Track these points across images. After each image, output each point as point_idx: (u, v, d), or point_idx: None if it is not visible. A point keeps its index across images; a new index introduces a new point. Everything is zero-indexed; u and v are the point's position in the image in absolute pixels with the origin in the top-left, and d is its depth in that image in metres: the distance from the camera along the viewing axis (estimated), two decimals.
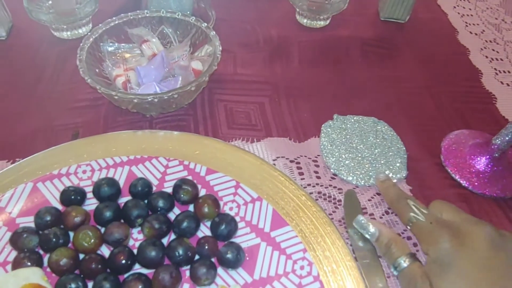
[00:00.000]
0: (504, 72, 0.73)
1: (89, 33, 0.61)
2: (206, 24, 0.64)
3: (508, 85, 0.71)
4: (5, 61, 0.69)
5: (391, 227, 0.52)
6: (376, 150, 0.59)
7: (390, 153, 0.58)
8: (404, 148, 0.59)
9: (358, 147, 0.59)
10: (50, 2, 0.71)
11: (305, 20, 0.79)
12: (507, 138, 0.54)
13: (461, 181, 0.57)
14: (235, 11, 0.81)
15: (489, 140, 0.57)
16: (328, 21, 0.79)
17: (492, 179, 0.56)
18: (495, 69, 0.74)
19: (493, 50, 0.78)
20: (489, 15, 0.85)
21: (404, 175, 0.57)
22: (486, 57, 0.76)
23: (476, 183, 0.56)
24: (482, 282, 0.38)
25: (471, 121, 0.65)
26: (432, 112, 0.66)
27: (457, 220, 0.43)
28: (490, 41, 0.79)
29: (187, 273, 0.45)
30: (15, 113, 0.61)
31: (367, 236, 0.47)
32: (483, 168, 0.57)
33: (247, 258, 0.47)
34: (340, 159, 0.57)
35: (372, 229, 0.46)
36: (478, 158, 0.57)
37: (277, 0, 0.83)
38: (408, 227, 0.46)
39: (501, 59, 0.76)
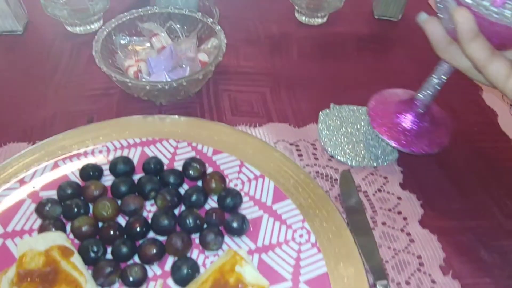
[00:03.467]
0: None
1: (103, 27, 0.66)
2: (211, 19, 0.69)
3: None
4: (23, 54, 0.74)
5: (383, 203, 0.57)
6: (369, 136, 0.63)
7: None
8: None
9: (353, 132, 0.63)
10: None
11: (303, 18, 0.84)
12: (429, 92, 0.55)
13: (389, 141, 0.57)
14: (237, 9, 0.86)
15: (413, 97, 0.57)
16: (325, 19, 0.84)
17: (419, 135, 0.57)
18: None
19: None
20: None
21: (396, 157, 0.61)
22: None
23: (403, 141, 0.56)
24: None
25: (459, 110, 0.70)
26: None
27: None
28: None
29: (197, 240, 0.49)
30: (34, 101, 0.66)
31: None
32: (410, 126, 0.57)
33: (251, 229, 0.51)
34: (337, 143, 0.62)
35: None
36: (404, 116, 0.57)
37: None
38: None
39: None
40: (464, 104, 0.71)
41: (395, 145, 0.57)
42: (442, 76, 0.53)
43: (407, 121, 0.57)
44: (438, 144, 0.58)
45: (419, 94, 0.57)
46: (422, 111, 0.57)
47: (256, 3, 0.88)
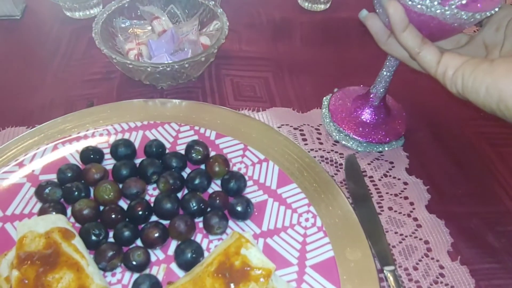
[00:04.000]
0: None
1: (103, 10, 0.65)
2: (213, 2, 0.67)
3: None
4: (21, 38, 0.73)
5: (389, 188, 0.56)
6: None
7: None
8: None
9: None
10: None
11: (306, 4, 0.83)
12: (381, 85, 0.57)
13: (349, 133, 0.59)
14: None
15: (369, 91, 0.60)
16: (328, 5, 0.83)
17: (376, 127, 0.60)
18: None
19: None
20: None
21: (401, 142, 0.60)
22: None
23: (363, 133, 0.59)
24: None
25: None
26: (429, 87, 0.69)
27: None
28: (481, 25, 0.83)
29: (200, 225, 0.48)
30: (33, 85, 0.65)
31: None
32: (367, 118, 0.60)
33: (256, 213, 0.50)
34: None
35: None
36: (361, 109, 0.60)
37: None
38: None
39: None
40: None
41: (354, 136, 0.59)
42: (391, 69, 0.56)
43: (365, 114, 0.60)
44: (394, 134, 0.60)
45: (373, 89, 0.59)
46: (377, 104, 0.59)
47: None
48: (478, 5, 0.42)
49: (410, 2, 0.43)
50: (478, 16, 0.42)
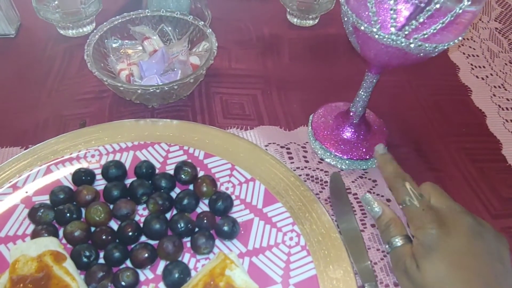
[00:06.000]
0: (479, 67, 0.79)
1: (95, 31, 0.66)
2: (203, 22, 0.69)
3: (482, 79, 0.77)
4: (15, 57, 0.74)
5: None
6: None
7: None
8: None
9: None
10: (56, 2, 0.76)
11: (295, 20, 0.84)
12: (360, 104, 0.60)
13: (331, 151, 0.61)
14: (229, 11, 0.86)
15: (349, 109, 0.62)
16: (316, 21, 0.85)
17: (357, 143, 0.62)
18: (471, 64, 0.80)
19: (470, 47, 0.84)
20: None
21: None
22: (463, 53, 0.82)
23: (344, 150, 0.61)
24: (461, 266, 0.42)
25: (448, 111, 0.71)
26: (413, 103, 0.72)
27: (444, 207, 0.47)
28: (467, 39, 0.85)
29: (188, 244, 0.50)
30: (26, 105, 0.66)
31: (371, 213, 0.51)
32: (349, 136, 0.62)
33: (242, 232, 0.52)
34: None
35: (376, 207, 0.50)
36: (342, 127, 0.62)
37: (269, 0, 0.89)
38: (400, 207, 0.49)
39: (477, 55, 0.82)
40: (453, 105, 0.72)
41: (336, 154, 0.61)
42: (368, 90, 0.58)
43: (345, 131, 0.62)
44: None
45: (352, 107, 0.61)
46: (357, 122, 0.62)
47: (248, 5, 0.88)
48: (440, 37, 0.44)
49: (376, 36, 0.46)
50: (441, 47, 0.45)
